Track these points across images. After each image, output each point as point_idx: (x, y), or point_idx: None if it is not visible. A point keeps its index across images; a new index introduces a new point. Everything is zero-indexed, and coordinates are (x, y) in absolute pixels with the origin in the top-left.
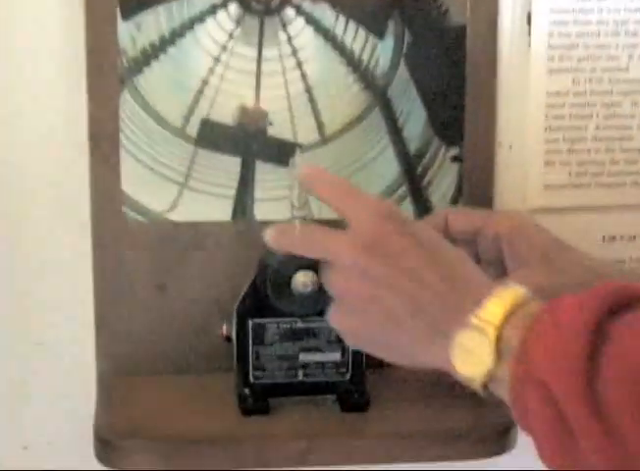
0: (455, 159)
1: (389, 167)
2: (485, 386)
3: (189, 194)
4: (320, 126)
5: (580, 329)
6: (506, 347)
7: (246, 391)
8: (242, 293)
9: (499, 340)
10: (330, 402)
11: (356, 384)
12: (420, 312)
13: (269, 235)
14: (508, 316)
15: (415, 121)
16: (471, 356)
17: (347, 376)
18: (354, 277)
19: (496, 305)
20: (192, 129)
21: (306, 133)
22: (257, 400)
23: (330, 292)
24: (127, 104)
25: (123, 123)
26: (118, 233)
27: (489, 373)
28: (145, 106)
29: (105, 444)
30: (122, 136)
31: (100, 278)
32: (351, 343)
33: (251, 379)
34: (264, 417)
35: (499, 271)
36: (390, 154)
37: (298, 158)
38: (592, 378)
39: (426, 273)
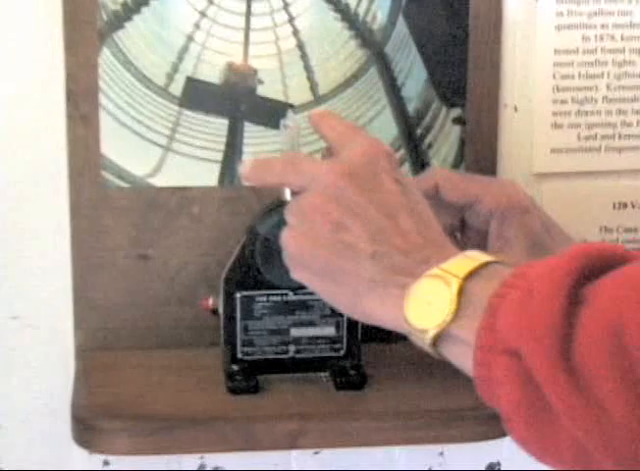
0: (458, 121)
1: (387, 129)
2: (435, 342)
3: (174, 158)
4: (313, 85)
5: (553, 294)
6: (469, 302)
7: (234, 367)
8: (229, 264)
9: (461, 291)
10: (324, 380)
11: (352, 360)
12: (384, 255)
13: (246, 169)
14: (474, 272)
15: (415, 80)
16: (428, 306)
17: (342, 352)
18: (328, 198)
19: (462, 261)
20: (177, 88)
21: (298, 93)
22: (246, 378)
23: (293, 215)
24: (106, 61)
25: (102, 81)
26: (97, 199)
27: (444, 324)
28: (126, 63)
29: (83, 425)
30: (101, 96)
31: (78, 246)
32: (295, 270)
33: (240, 355)
34: (253, 396)
35: (482, 245)
36: (388, 115)
37: (290, 120)
38: (568, 346)
39: (403, 218)
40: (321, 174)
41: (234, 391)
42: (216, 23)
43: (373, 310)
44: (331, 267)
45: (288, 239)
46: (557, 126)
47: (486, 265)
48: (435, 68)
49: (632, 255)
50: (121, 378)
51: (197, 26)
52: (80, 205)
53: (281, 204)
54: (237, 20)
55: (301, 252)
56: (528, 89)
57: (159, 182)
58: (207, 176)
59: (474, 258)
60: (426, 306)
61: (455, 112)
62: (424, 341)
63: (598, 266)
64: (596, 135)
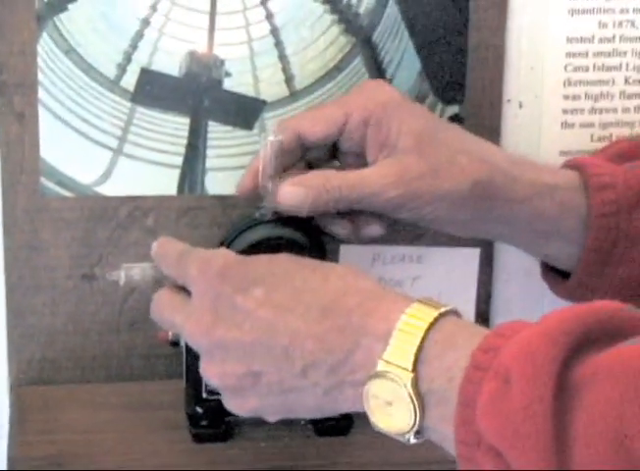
0: (455, 118)
1: None
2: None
3: (125, 163)
4: (288, 77)
5: (536, 388)
6: (432, 392)
7: (198, 410)
8: None
9: (416, 382)
10: (303, 424)
11: None
12: (312, 364)
13: (152, 249)
14: (423, 347)
15: (407, 72)
16: (389, 407)
17: None
18: (220, 360)
19: (403, 338)
20: (129, 80)
21: (271, 87)
22: (212, 423)
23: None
24: (46, 49)
25: (41, 72)
26: (35, 209)
27: (416, 426)
28: (69, 52)
29: None
30: (40, 89)
31: (13, 264)
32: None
33: (205, 394)
34: (221, 444)
35: (359, 161)
36: None
37: (273, 136)
38: (562, 457)
39: (292, 320)
40: (191, 336)
41: (199, 438)
42: (176, 4)
43: (343, 409)
44: (281, 406)
45: (234, 411)
46: (567, 125)
47: (430, 328)
48: (429, 58)
49: (635, 320)
50: (64, 420)
51: (154, 8)
52: (14, 217)
53: (253, 222)
54: (201, 1)
55: (248, 412)
56: (535, 83)
57: (108, 190)
58: (164, 183)
59: (411, 331)
60: (388, 408)
61: (453, 109)
62: (405, 442)
63: (589, 338)
64: (611, 136)
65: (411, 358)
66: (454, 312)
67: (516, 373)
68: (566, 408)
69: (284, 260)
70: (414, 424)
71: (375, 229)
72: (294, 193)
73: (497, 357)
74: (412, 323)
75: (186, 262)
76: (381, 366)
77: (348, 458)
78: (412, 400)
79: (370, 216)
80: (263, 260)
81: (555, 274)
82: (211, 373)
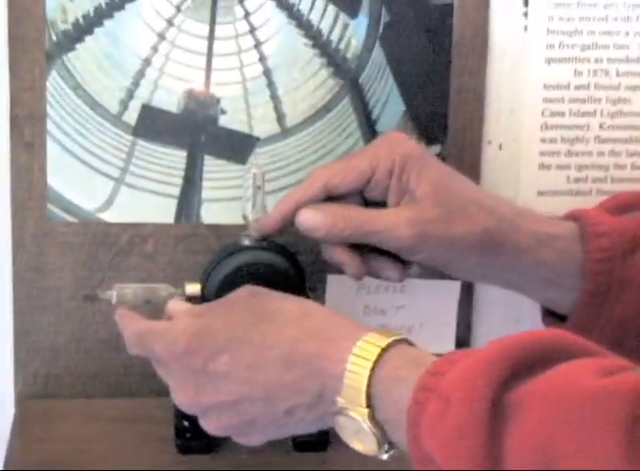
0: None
1: None
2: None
3: (126, 192)
4: (280, 116)
5: (473, 409)
6: (390, 421)
7: (185, 423)
8: None
9: (373, 416)
10: (283, 440)
11: None
12: (293, 409)
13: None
14: (373, 383)
15: (391, 113)
16: (358, 434)
17: None
18: (215, 418)
19: (354, 381)
20: (131, 116)
21: (264, 124)
22: (197, 436)
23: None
24: (55, 85)
25: (50, 106)
26: (42, 233)
27: (383, 449)
28: (76, 88)
29: None
30: (48, 122)
31: (20, 285)
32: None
33: None
34: (205, 456)
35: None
36: None
37: (254, 165)
38: (494, 466)
39: (271, 372)
40: (178, 402)
41: (184, 450)
42: (176, 46)
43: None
44: (282, 433)
45: (236, 441)
46: (544, 166)
47: (376, 366)
48: (413, 100)
49: (572, 346)
50: (61, 430)
51: (155, 49)
52: (23, 240)
53: (238, 248)
54: (198, 43)
55: (254, 443)
56: (514, 126)
57: (110, 217)
58: (163, 211)
59: (360, 365)
60: (357, 435)
61: (435, 148)
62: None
63: (527, 364)
64: (586, 178)
65: (363, 396)
66: (405, 340)
67: (456, 395)
68: (501, 429)
69: (239, 318)
70: (381, 447)
71: (390, 272)
72: (313, 217)
73: (442, 381)
74: (359, 363)
75: (148, 344)
76: (341, 404)
77: None
78: (372, 431)
79: (386, 259)
80: (219, 324)
81: (553, 318)
82: (212, 428)
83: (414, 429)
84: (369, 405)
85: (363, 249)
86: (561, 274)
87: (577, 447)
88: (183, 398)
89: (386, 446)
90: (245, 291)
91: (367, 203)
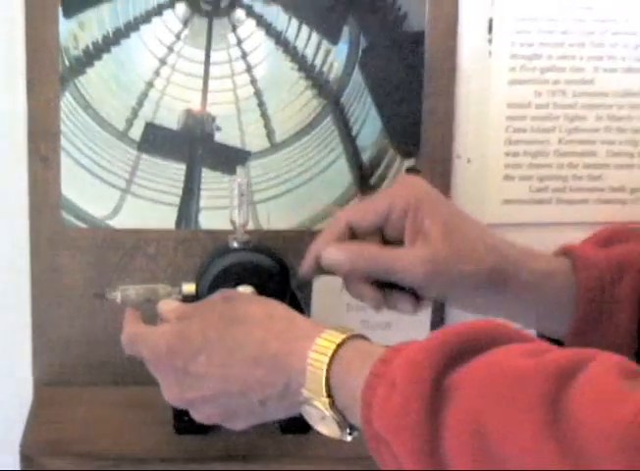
0: (411, 170)
1: (341, 176)
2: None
3: (132, 200)
4: (270, 132)
5: (414, 390)
6: (346, 408)
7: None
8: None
9: (333, 404)
10: (270, 423)
11: None
12: (265, 400)
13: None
14: (329, 381)
15: (370, 129)
16: (323, 420)
17: None
18: (201, 410)
19: (314, 374)
20: (136, 132)
21: (255, 140)
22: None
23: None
24: (68, 104)
25: (63, 124)
26: (56, 238)
27: (347, 430)
28: (87, 107)
29: (30, 462)
30: (62, 138)
31: (37, 284)
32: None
33: None
34: (200, 436)
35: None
36: (343, 163)
37: (239, 175)
38: (435, 448)
39: (233, 373)
40: (164, 396)
41: (180, 431)
42: (175, 70)
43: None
44: (262, 419)
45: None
46: (509, 178)
47: (332, 361)
48: (390, 118)
49: (505, 334)
50: (72, 414)
51: (157, 72)
52: (39, 244)
53: (227, 250)
54: (196, 67)
55: (239, 428)
56: (481, 142)
57: (117, 223)
58: (164, 218)
59: (319, 360)
60: (323, 421)
61: (409, 162)
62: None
63: (464, 350)
64: (547, 188)
65: (324, 387)
66: (360, 336)
67: (400, 378)
68: (440, 407)
69: (213, 321)
70: (343, 430)
71: (406, 305)
72: (336, 255)
73: (389, 367)
74: (318, 358)
75: (137, 347)
76: (306, 395)
77: (305, 452)
78: (334, 418)
79: (402, 293)
80: (195, 328)
81: (551, 342)
82: (200, 418)
83: (367, 411)
84: (330, 395)
85: (381, 283)
86: (560, 305)
87: (504, 423)
88: (170, 395)
89: (348, 430)
90: (218, 296)
91: (386, 242)
